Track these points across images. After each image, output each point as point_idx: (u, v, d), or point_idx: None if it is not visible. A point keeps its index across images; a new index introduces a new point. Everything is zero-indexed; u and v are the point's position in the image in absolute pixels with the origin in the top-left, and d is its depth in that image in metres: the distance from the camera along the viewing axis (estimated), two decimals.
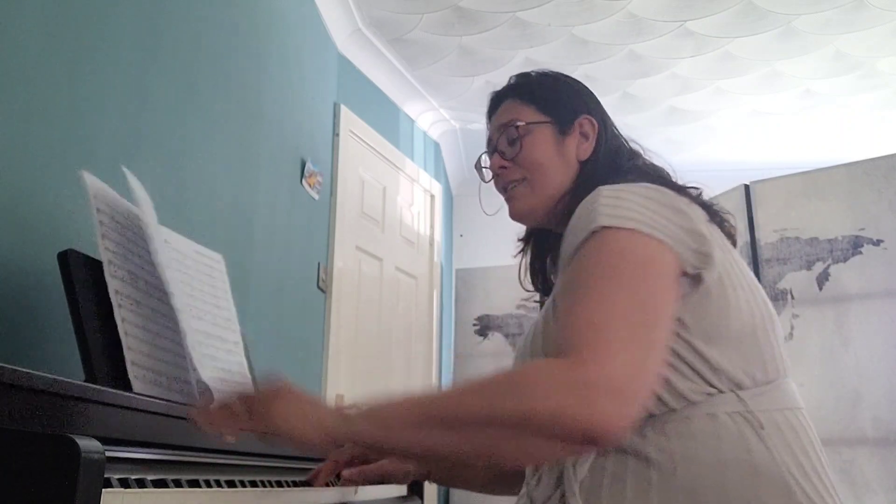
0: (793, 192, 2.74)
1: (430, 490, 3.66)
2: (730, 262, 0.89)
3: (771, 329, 0.90)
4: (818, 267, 2.63)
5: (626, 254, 0.83)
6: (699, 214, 0.89)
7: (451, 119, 4.19)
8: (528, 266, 1.16)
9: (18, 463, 0.55)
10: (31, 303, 1.21)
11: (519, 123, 1.07)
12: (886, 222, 2.54)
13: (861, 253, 2.56)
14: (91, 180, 1.05)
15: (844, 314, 2.55)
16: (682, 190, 0.94)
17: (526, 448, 0.76)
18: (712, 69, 3.55)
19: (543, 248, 1.14)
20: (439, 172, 4.37)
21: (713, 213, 0.93)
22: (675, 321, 0.83)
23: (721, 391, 0.83)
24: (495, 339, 4.05)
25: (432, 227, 4.03)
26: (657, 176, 1.00)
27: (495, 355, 4.00)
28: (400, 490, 1.42)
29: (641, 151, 1.09)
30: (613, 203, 0.86)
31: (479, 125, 4.22)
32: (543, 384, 0.74)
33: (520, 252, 1.17)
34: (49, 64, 1.30)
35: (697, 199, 0.93)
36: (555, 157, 1.05)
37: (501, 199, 1.12)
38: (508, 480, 1.14)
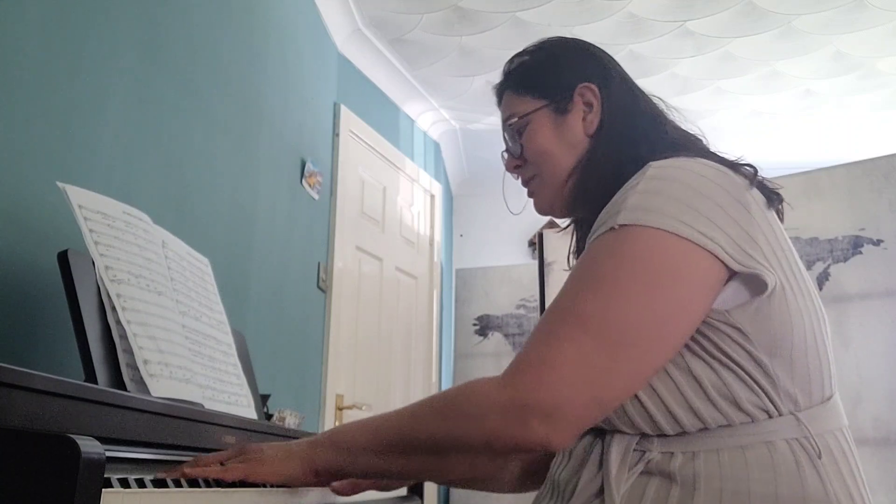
0: (793, 192, 2.73)
1: (430, 490, 3.66)
2: (789, 262, 0.80)
3: (827, 338, 0.82)
4: (818, 267, 2.63)
5: (634, 260, 0.75)
6: (759, 201, 0.81)
7: (451, 119, 4.19)
8: (575, 247, 1.07)
9: (18, 463, 0.55)
10: (31, 303, 1.21)
11: (512, 120, 1.01)
12: (886, 222, 2.54)
13: (861, 253, 2.57)
14: (73, 191, 1.03)
15: (844, 314, 2.55)
16: (737, 168, 0.83)
17: (475, 463, 0.80)
18: (712, 69, 3.55)
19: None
20: (439, 172, 4.37)
21: (771, 195, 0.84)
22: (736, 331, 0.76)
23: (780, 412, 0.76)
24: (495, 338, 4.05)
25: (432, 227, 4.03)
26: (699, 148, 0.89)
27: (495, 355, 4.01)
28: (399, 490, 1.42)
29: (666, 110, 0.97)
30: (651, 189, 0.77)
31: (480, 125, 4.24)
32: (479, 407, 0.74)
33: (566, 227, 1.08)
34: (49, 64, 1.30)
35: (755, 181, 0.82)
36: (558, 141, 0.97)
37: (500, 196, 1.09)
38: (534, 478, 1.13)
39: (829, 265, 2.61)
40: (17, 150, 1.22)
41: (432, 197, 4.08)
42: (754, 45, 3.31)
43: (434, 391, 3.83)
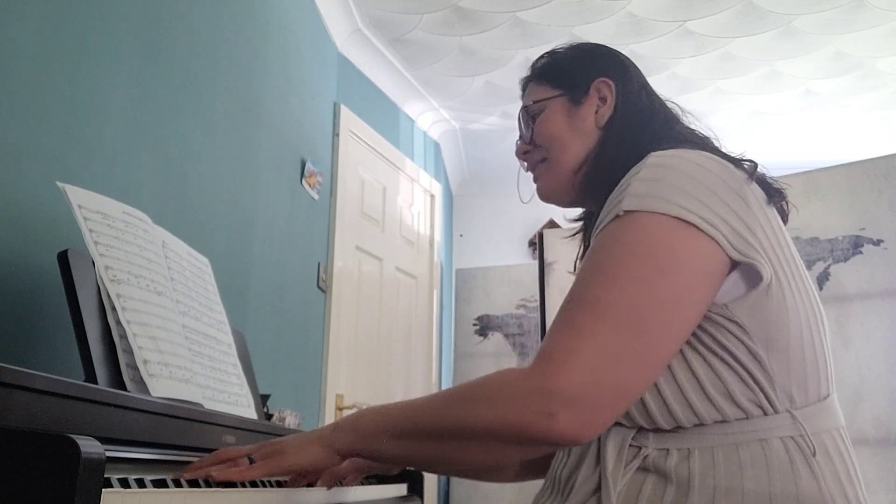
0: (793, 192, 2.73)
1: (430, 490, 3.66)
2: (787, 259, 0.81)
3: (825, 335, 0.83)
4: (818, 267, 2.63)
5: (643, 244, 0.76)
6: (758, 196, 0.82)
7: (451, 119, 4.19)
8: (583, 247, 1.09)
9: (18, 463, 0.55)
10: (31, 303, 1.21)
11: (528, 105, 1.05)
12: (886, 222, 2.54)
13: (861, 253, 2.56)
14: (72, 190, 1.03)
15: (845, 314, 2.55)
16: (738, 163, 0.85)
17: (495, 452, 0.79)
18: (712, 69, 3.55)
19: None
20: (439, 172, 4.37)
21: (772, 192, 0.86)
22: (734, 324, 0.77)
23: (776, 410, 0.77)
24: (495, 339, 4.05)
25: (432, 227, 4.03)
26: (703, 144, 0.92)
27: (495, 355, 4.00)
28: (399, 490, 1.42)
29: (681, 115, 1.02)
30: (653, 177, 0.79)
31: (480, 125, 4.24)
32: (505, 395, 0.75)
33: (576, 233, 1.11)
34: (49, 64, 1.30)
35: (755, 176, 0.84)
36: (568, 128, 1.00)
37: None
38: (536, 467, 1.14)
39: (829, 265, 2.61)
40: (17, 149, 1.22)
41: (432, 197, 4.08)
42: (754, 45, 3.31)
43: (434, 391, 3.83)
